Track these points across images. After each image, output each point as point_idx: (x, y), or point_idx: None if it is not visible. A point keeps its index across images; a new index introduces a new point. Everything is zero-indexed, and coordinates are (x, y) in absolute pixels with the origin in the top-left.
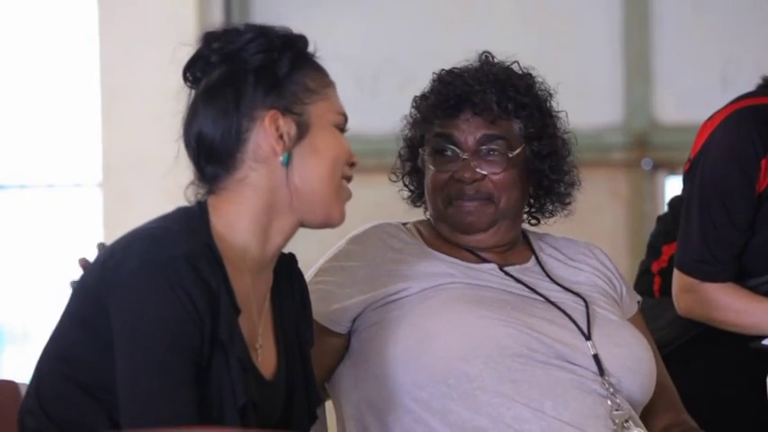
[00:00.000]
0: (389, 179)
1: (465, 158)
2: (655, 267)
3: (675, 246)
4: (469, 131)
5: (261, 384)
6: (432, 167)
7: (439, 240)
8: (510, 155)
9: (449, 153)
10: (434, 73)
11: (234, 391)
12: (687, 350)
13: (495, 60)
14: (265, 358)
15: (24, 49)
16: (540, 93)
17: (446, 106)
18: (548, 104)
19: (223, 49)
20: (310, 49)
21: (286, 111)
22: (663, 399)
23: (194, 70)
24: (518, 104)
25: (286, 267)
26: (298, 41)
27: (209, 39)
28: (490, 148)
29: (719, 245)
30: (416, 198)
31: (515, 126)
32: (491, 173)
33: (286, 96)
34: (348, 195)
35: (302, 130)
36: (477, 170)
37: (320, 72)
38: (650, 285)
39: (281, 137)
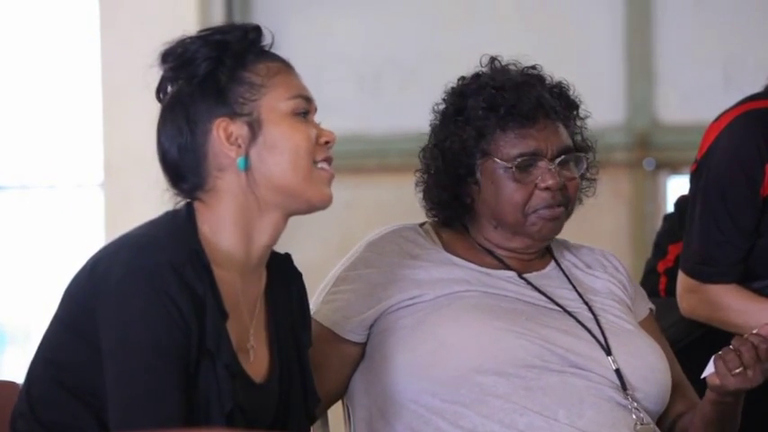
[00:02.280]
0: (419, 181)
1: (551, 169)
2: (661, 267)
3: (681, 245)
4: (549, 140)
5: (250, 389)
6: (511, 181)
7: (459, 243)
8: (584, 160)
9: (532, 164)
10: (483, 76)
11: (220, 397)
12: (692, 350)
13: (531, 68)
14: (257, 361)
15: (25, 49)
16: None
17: (524, 113)
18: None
19: (176, 64)
20: (266, 39)
21: (234, 115)
22: (678, 392)
23: (159, 90)
24: (576, 113)
25: (281, 268)
26: (244, 36)
27: (163, 57)
28: (569, 156)
29: (721, 247)
30: (438, 210)
31: (573, 133)
32: (568, 179)
33: (230, 101)
34: (327, 176)
35: (255, 129)
36: (558, 177)
37: (267, 60)
38: (656, 285)
39: (234, 142)
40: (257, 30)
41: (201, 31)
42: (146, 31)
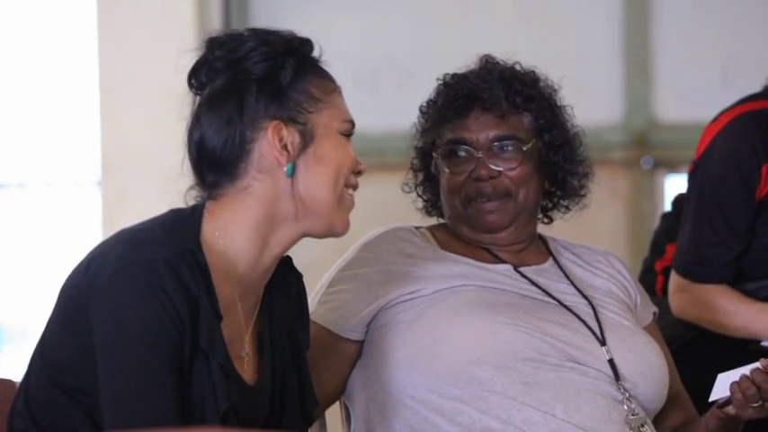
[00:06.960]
0: (402, 190)
1: (480, 157)
2: (658, 266)
3: None
4: (481, 130)
5: (242, 390)
6: (446, 170)
7: (454, 241)
8: (523, 149)
9: (463, 154)
10: (438, 79)
11: (215, 397)
12: (688, 350)
13: (498, 60)
14: (249, 363)
15: (23, 48)
16: (545, 86)
17: (455, 106)
18: (554, 97)
19: (226, 57)
20: (316, 53)
21: (289, 121)
22: (676, 404)
23: (199, 76)
24: (526, 97)
25: (282, 269)
26: (302, 47)
27: (212, 45)
28: (503, 144)
29: (714, 248)
30: (431, 207)
31: (525, 120)
32: (506, 168)
33: (289, 106)
34: (351, 205)
35: (306, 140)
36: (493, 167)
37: (325, 78)
38: (653, 284)
39: (284, 147)
40: (311, 43)
41: (252, 29)
42: (143, 30)
